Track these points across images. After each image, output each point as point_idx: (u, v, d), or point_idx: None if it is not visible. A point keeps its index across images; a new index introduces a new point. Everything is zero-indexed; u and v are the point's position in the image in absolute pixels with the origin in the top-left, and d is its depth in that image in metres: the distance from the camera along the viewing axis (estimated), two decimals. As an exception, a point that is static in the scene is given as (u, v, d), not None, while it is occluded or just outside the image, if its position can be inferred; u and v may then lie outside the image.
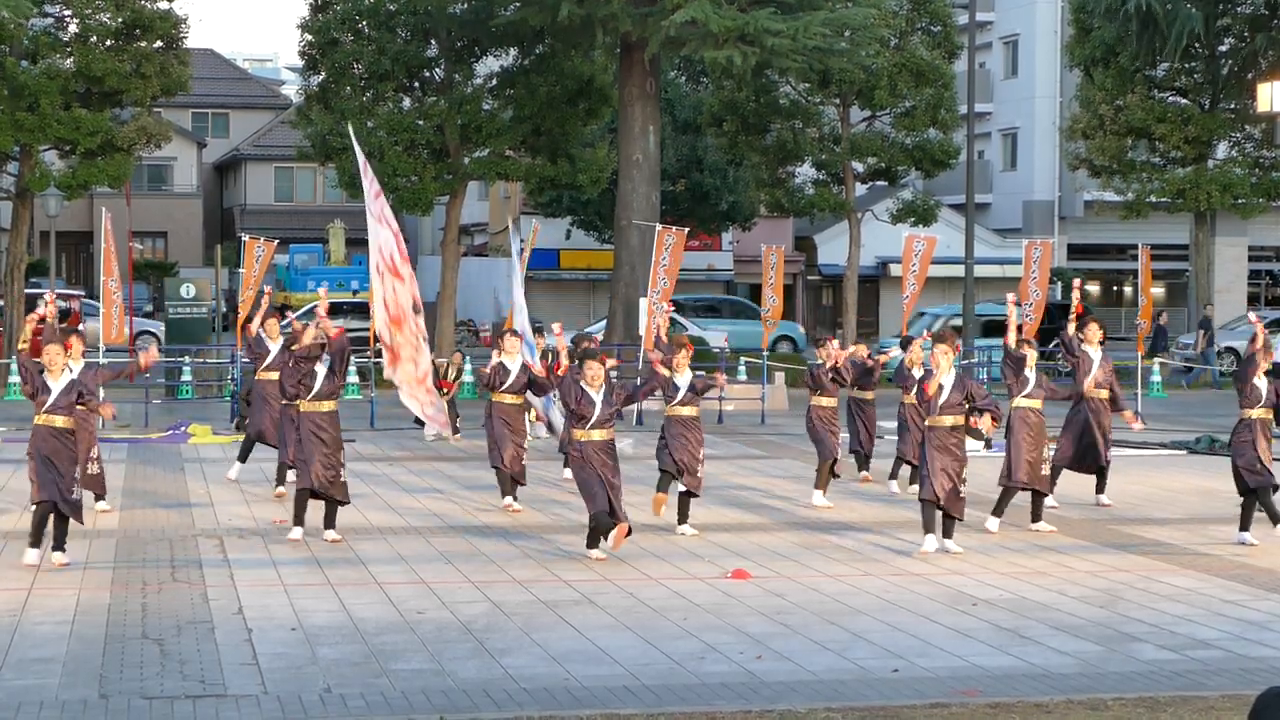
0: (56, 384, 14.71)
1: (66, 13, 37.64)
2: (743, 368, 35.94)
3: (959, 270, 39.57)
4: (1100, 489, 19.23)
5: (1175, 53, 40.58)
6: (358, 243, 32.43)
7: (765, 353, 32.80)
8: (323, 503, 16.19)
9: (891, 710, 10.10)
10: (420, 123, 37.73)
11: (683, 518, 16.97)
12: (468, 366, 31.26)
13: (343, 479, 16.23)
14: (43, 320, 16.88)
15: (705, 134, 46.75)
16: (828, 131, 42.27)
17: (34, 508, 14.68)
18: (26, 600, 13.15)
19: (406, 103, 38.83)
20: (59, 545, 14.63)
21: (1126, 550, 16.11)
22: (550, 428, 21.59)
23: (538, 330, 26.31)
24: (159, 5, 37.35)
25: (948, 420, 15.75)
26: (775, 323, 33.55)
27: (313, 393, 16.27)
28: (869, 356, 20.21)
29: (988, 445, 21.62)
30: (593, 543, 15.36)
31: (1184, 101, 42.72)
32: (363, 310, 31.17)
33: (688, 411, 17.07)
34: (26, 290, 38.48)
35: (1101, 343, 19.20)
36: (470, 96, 37.61)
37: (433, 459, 23.59)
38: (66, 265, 69.52)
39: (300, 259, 56.79)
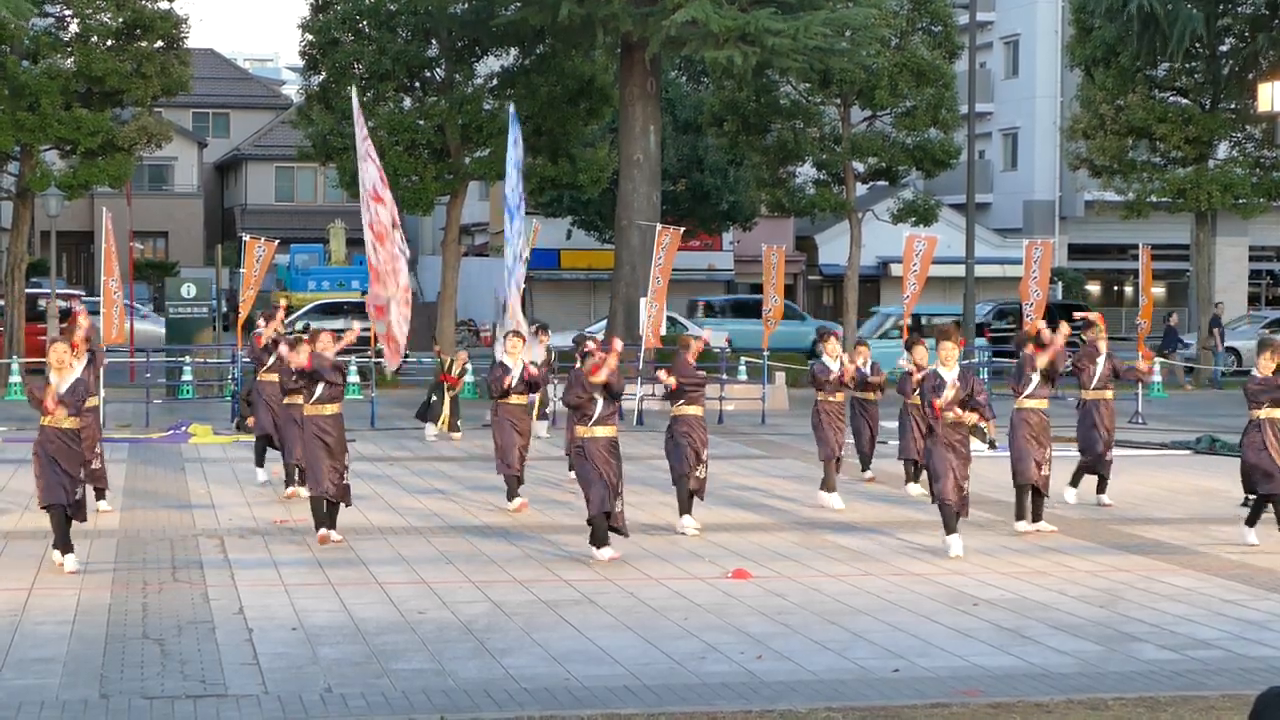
0: (63, 383, 14.64)
1: (67, 13, 37.60)
2: (743, 368, 35.94)
3: (959, 270, 39.58)
4: (1101, 489, 19.24)
5: (1176, 53, 40.53)
6: (358, 243, 32.36)
7: (765, 352, 32.81)
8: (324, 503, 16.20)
9: (892, 710, 10.10)
10: (421, 123, 37.72)
11: (685, 510, 16.97)
12: (470, 367, 31.25)
13: (346, 481, 16.25)
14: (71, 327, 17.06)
15: (706, 134, 46.69)
16: (828, 131, 42.21)
17: (44, 510, 14.58)
18: (27, 600, 13.16)
19: (407, 103, 38.81)
20: (59, 544, 14.58)
21: (1127, 550, 16.11)
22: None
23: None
24: (159, 5, 37.31)
25: (951, 416, 15.73)
26: (776, 322, 33.58)
27: (315, 396, 16.29)
28: (873, 374, 20.31)
29: (991, 446, 21.64)
30: (597, 542, 15.34)
31: (1185, 101, 42.67)
32: (362, 310, 31.15)
33: (692, 410, 17.06)
34: (27, 290, 38.46)
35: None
36: (471, 96, 37.59)
37: (433, 459, 23.58)
38: (67, 265, 69.51)
39: (301, 259, 56.76)
